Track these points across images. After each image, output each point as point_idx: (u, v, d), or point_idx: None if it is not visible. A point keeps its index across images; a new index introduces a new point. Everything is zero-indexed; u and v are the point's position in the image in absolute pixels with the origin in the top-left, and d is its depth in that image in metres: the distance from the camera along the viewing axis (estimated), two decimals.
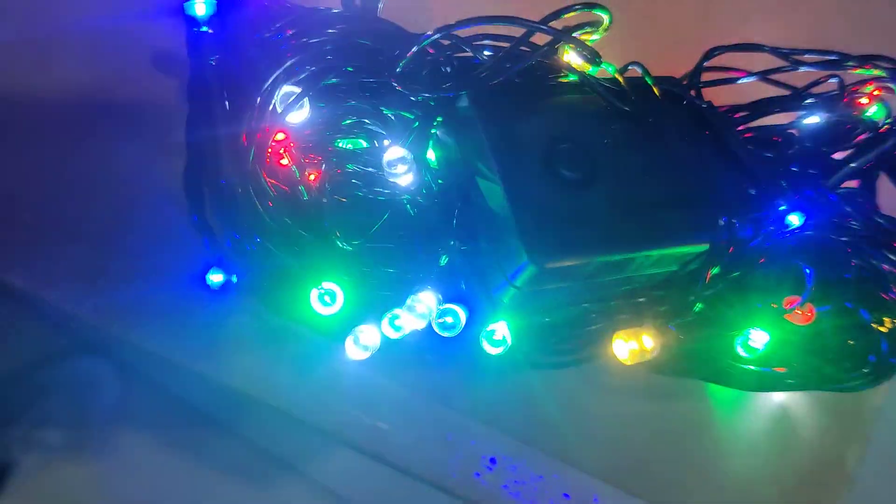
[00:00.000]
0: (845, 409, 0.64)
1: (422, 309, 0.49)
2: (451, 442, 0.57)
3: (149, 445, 0.64)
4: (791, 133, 0.59)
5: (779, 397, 0.63)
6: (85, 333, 0.68)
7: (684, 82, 0.58)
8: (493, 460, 0.57)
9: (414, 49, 0.48)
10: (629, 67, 0.53)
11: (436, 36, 0.47)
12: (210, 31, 0.47)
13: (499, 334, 0.51)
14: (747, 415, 0.63)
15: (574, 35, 0.49)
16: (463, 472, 0.57)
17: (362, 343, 0.50)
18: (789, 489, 0.62)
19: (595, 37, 0.50)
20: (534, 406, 0.59)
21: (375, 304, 0.51)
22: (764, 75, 0.59)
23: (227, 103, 0.48)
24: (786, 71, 0.60)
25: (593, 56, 0.48)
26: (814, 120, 0.59)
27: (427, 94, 0.49)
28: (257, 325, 0.55)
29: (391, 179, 0.49)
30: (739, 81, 0.60)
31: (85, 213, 0.56)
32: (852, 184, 0.63)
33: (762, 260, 0.53)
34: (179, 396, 0.64)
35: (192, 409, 0.64)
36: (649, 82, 0.53)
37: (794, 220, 0.53)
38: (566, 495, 0.58)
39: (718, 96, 0.59)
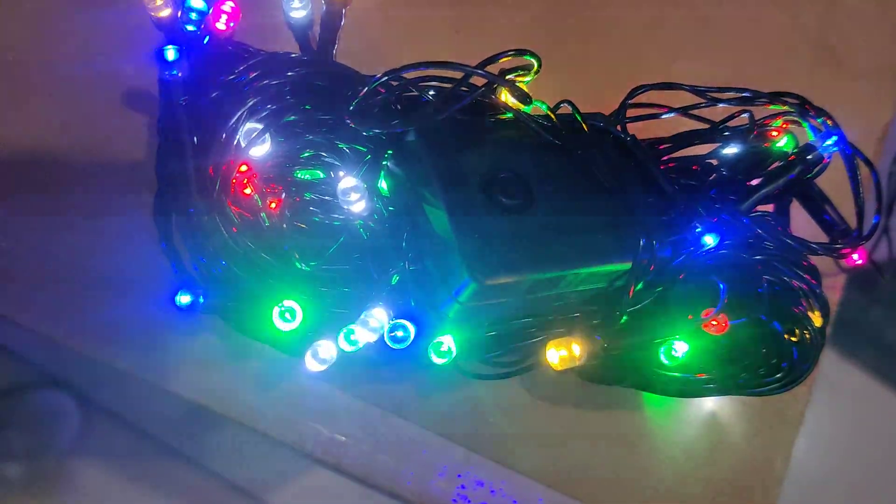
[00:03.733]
0: (771, 415, 0.69)
1: (374, 324, 0.53)
2: (406, 451, 0.61)
3: (109, 479, 0.63)
4: (710, 162, 0.64)
5: (710, 405, 0.68)
6: (50, 362, 0.68)
7: (612, 118, 0.62)
8: (444, 468, 0.61)
9: (365, 89, 0.52)
10: (561, 105, 0.58)
11: (385, 78, 0.51)
12: (179, 74, 0.51)
13: (445, 346, 0.55)
14: (680, 422, 0.67)
15: (507, 78, 0.53)
16: (417, 480, 0.60)
17: (320, 357, 0.53)
18: (721, 492, 0.66)
19: (527, 79, 0.54)
20: (481, 415, 0.62)
21: (332, 322, 0.54)
22: (684, 111, 0.64)
23: (195, 139, 0.52)
24: (705, 107, 0.64)
25: (524, 97, 0.53)
26: (732, 150, 0.64)
27: (378, 130, 0.53)
28: (223, 343, 0.58)
29: (346, 207, 0.52)
30: (662, 116, 0.64)
31: (59, 242, 0.58)
32: (769, 208, 0.69)
33: (682, 276, 0.58)
34: (140, 428, 0.64)
35: (152, 441, 0.64)
36: (578, 118, 0.57)
37: (710, 240, 0.58)
38: (514, 501, 0.62)
39: (647, 130, 0.63)
